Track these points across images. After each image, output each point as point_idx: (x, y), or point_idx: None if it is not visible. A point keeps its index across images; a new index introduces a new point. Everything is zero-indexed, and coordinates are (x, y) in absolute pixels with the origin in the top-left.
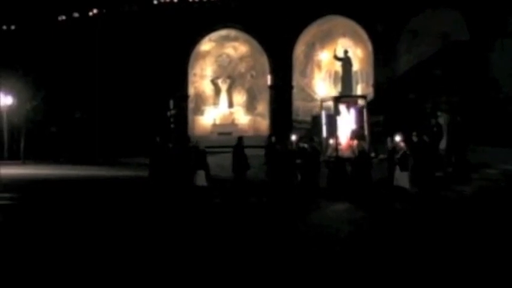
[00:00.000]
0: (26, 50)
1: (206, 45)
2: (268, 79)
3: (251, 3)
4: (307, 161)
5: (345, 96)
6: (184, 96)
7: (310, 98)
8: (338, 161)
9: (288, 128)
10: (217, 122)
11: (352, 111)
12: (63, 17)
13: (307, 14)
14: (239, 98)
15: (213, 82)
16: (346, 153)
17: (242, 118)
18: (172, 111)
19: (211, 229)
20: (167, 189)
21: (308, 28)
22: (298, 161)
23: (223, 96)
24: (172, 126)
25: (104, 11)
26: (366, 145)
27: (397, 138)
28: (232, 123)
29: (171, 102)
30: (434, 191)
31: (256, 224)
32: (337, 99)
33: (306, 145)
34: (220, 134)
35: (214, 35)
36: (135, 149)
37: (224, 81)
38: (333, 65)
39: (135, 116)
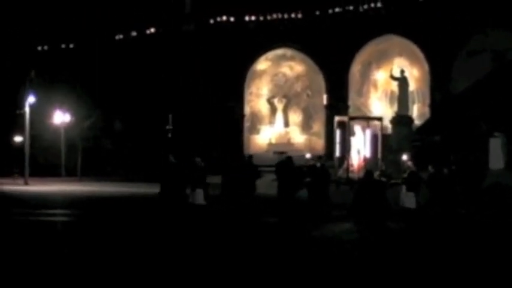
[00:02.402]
0: (83, 68)
1: (262, 64)
2: (324, 98)
3: (307, 22)
4: (316, 180)
5: (361, 118)
6: (241, 115)
7: None
8: (348, 182)
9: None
10: (273, 141)
11: (368, 132)
12: (121, 36)
13: (364, 33)
14: (295, 117)
15: (269, 101)
16: (358, 174)
17: (298, 137)
18: (170, 127)
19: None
20: (175, 207)
21: (364, 47)
22: (308, 179)
23: (279, 115)
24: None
25: (161, 30)
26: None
27: (404, 157)
28: (288, 143)
29: (170, 117)
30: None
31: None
32: (351, 120)
33: (318, 163)
34: (276, 153)
35: (271, 54)
36: None
37: (280, 101)
38: (389, 85)
39: (190, 132)
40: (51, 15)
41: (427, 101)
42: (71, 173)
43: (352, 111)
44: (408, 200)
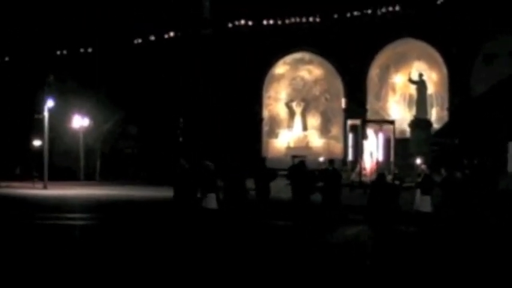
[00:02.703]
0: (102, 72)
1: (280, 68)
2: (343, 102)
3: (325, 26)
4: (328, 183)
5: (373, 121)
6: (259, 119)
7: None
8: (361, 185)
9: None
10: (292, 145)
11: (380, 136)
12: (139, 40)
13: (382, 36)
14: (313, 121)
15: (288, 105)
16: (370, 178)
17: (316, 141)
18: (179, 130)
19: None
20: (188, 212)
21: (382, 51)
22: (320, 183)
23: (298, 119)
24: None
25: (180, 34)
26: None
27: (418, 161)
28: (307, 146)
29: (181, 120)
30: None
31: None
32: (364, 123)
33: (330, 167)
34: (294, 156)
35: (289, 58)
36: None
37: (298, 104)
38: (408, 88)
39: (208, 137)
40: (70, 20)
41: (446, 104)
42: (90, 177)
43: (370, 115)
44: (423, 203)
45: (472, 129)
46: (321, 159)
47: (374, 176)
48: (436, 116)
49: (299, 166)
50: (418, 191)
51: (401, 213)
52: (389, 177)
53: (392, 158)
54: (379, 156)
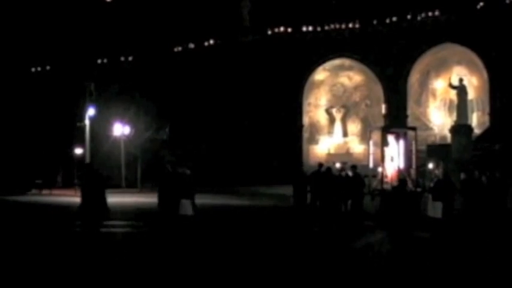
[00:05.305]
0: (142, 80)
1: (320, 74)
2: (383, 108)
3: (365, 32)
4: (350, 189)
5: (394, 127)
6: (299, 126)
7: (425, 126)
8: (382, 192)
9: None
10: (332, 151)
11: (401, 142)
12: (179, 48)
13: (422, 42)
14: (353, 127)
15: (328, 111)
16: (392, 185)
17: (357, 147)
18: (165, 137)
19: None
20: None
21: (423, 56)
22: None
23: (338, 125)
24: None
25: (219, 41)
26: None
27: (430, 165)
28: (347, 153)
29: (167, 126)
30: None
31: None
32: (385, 130)
33: (350, 172)
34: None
35: (329, 64)
36: (256, 177)
37: (338, 111)
38: (448, 94)
39: (253, 144)
40: (110, 28)
41: (487, 109)
42: (131, 185)
43: (411, 121)
44: (434, 209)
45: None
46: (338, 164)
47: (395, 183)
48: (477, 121)
49: (325, 173)
50: (430, 197)
51: (419, 219)
52: (410, 184)
53: (414, 165)
54: (400, 163)
